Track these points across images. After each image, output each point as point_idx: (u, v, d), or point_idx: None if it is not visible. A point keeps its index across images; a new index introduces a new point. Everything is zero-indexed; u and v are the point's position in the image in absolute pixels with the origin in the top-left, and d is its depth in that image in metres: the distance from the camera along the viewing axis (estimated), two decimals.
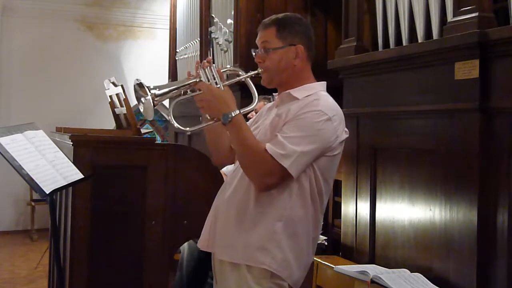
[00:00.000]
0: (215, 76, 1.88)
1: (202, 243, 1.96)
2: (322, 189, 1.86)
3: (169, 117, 1.94)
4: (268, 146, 1.77)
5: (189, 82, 1.89)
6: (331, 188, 1.94)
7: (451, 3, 2.53)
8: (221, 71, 1.92)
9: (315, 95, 1.89)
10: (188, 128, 1.92)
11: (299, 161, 1.76)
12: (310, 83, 1.96)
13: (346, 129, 1.92)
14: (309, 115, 1.80)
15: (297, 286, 1.87)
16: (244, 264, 1.81)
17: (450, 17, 2.53)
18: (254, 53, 1.98)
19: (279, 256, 1.79)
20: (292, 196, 1.81)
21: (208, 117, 1.90)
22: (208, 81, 1.86)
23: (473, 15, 2.37)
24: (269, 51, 1.92)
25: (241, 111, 1.87)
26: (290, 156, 1.75)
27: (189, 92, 1.91)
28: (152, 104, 1.79)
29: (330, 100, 1.91)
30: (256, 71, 1.96)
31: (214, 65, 1.90)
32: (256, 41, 1.98)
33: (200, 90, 1.85)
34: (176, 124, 1.91)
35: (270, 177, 1.77)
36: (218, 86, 1.87)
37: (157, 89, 1.81)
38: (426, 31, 2.71)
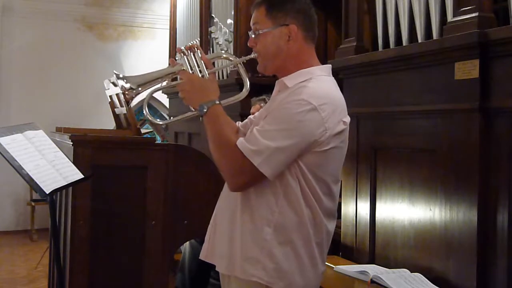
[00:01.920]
0: (199, 63, 1.74)
1: (202, 253, 1.85)
2: (317, 189, 1.65)
3: (144, 109, 1.80)
4: (239, 141, 1.61)
5: (170, 71, 1.77)
6: (333, 188, 1.72)
7: (451, 3, 2.53)
8: (209, 58, 1.78)
9: (306, 82, 1.67)
10: (159, 121, 1.82)
11: (273, 158, 1.57)
12: (308, 68, 1.74)
13: (345, 119, 1.69)
14: (289, 106, 1.59)
15: None
16: (234, 276, 1.69)
17: (450, 17, 2.53)
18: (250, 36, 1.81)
19: (271, 266, 1.62)
20: (278, 199, 1.63)
21: (192, 109, 1.76)
22: (191, 69, 1.73)
23: (473, 15, 2.37)
24: (259, 34, 1.74)
25: (224, 101, 1.74)
26: (261, 152, 1.56)
27: (168, 81, 1.79)
28: (123, 99, 1.70)
29: (325, 85, 1.69)
30: (248, 56, 1.81)
31: (199, 51, 1.76)
32: (250, 23, 1.80)
33: (182, 79, 1.73)
34: (152, 119, 1.81)
35: (240, 176, 1.60)
36: (202, 74, 1.73)
37: (125, 81, 1.68)
38: (426, 31, 2.71)
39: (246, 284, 1.66)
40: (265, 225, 1.64)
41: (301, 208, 1.64)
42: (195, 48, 1.76)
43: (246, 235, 1.66)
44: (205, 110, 1.67)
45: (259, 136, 1.59)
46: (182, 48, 1.76)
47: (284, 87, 1.73)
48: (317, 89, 1.65)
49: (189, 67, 1.74)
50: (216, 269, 1.78)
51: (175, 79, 1.82)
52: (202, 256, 1.85)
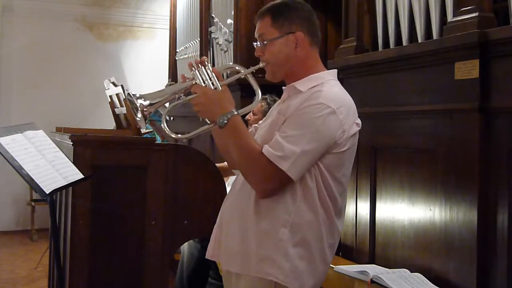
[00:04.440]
0: (210, 76, 1.75)
1: (208, 252, 1.87)
2: (333, 190, 1.70)
3: (163, 125, 1.84)
4: (265, 148, 1.65)
5: (183, 86, 1.78)
6: (345, 188, 1.78)
7: (451, 3, 2.53)
8: (218, 70, 1.80)
9: (320, 86, 1.73)
10: (180, 136, 1.81)
11: (300, 162, 1.62)
12: (317, 73, 1.80)
13: (357, 121, 1.76)
14: (309, 110, 1.65)
15: None
16: (247, 275, 1.70)
17: (450, 17, 2.53)
18: (255, 46, 1.85)
19: (287, 266, 1.65)
20: (296, 199, 1.67)
21: (208, 121, 1.78)
22: (204, 82, 1.75)
23: (473, 15, 2.37)
24: (266, 43, 1.79)
25: (241, 111, 1.76)
26: (288, 157, 1.61)
27: (182, 96, 1.80)
28: (142, 116, 1.72)
29: (336, 89, 1.75)
30: (257, 66, 1.83)
31: (209, 65, 1.78)
32: (255, 34, 1.84)
33: (195, 93, 1.74)
34: (172, 134, 1.81)
35: (269, 182, 1.64)
36: (215, 87, 1.74)
37: (143, 99, 1.72)
38: (426, 31, 2.71)
39: (258, 283, 1.69)
40: (281, 225, 1.67)
41: (317, 208, 1.69)
42: (205, 62, 1.78)
43: (262, 235, 1.68)
44: (225, 122, 1.68)
45: (283, 141, 1.63)
46: (193, 62, 1.78)
47: (295, 91, 1.78)
48: (331, 93, 1.71)
49: (201, 80, 1.76)
50: (224, 267, 1.80)
51: (187, 94, 1.84)
52: (208, 255, 1.87)
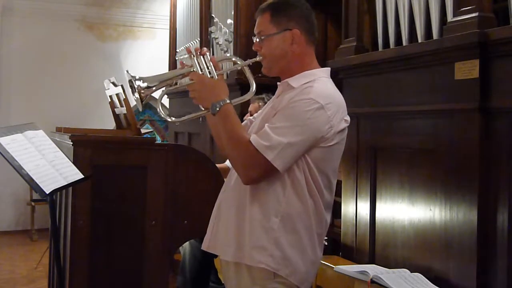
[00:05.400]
0: (208, 65, 1.82)
1: (204, 243, 1.92)
2: (319, 182, 1.76)
3: (158, 107, 1.87)
4: (252, 137, 1.71)
5: (181, 72, 1.85)
6: (332, 182, 1.83)
7: (451, 3, 2.53)
8: (217, 60, 1.86)
9: (311, 82, 1.78)
10: (174, 119, 1.87)
11: (285, 153, 1.68)
12: (311, 70, 1.86)
13: (346, 118, 1.81)
14: (298, 104, 1.71)
15: (305, 284, 1.79)
16: (244, 264, 1.76)
17: (450, 17, 2.53)
18: (254, 41, 1.91)
19: (278, 254, 1.72)
20: (286, 190, 1.74)
21: (202, 108, 1.84)
22: (201, 70, 1.81)
23: (473, 15, 2.37)
24: (264, 38, 1.85)
25: (234, 101, 1.82)
26: (275, 148, 1.67)
27: (179, 82, 1.87)
28: (139, 97, 1.77)
29: (328, 86, 1.81)
30: (254, 59, 1.89)
31: (208, 54, 1.84)
32: (254, 29, 1.90)
33: (192, 80, 1.80)
34: (167, 117, 1.86)
35: (254, 170, 1.70)
36: (211, 75, 1.81)
37: (142, 81, 1.78)
38: (426, 31, 2.71)
39: (256, 271, 1.75)
40: (272, 215, 1.74)
41: (306, 199, 1.75)
42: (204, 50, 1.84)
43: (254, 225, 1.75)
44: (217, 109, 1.75)
45: (271, 132, 1.69)
46: (192, 50, 1.84)
47: (288, 87, 1.83)
48: (322, 89, 1.76)
49: (199, 68, 1.82)
50: (221, 257, 1.85)
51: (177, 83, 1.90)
52: (204, 247, 1.92)
